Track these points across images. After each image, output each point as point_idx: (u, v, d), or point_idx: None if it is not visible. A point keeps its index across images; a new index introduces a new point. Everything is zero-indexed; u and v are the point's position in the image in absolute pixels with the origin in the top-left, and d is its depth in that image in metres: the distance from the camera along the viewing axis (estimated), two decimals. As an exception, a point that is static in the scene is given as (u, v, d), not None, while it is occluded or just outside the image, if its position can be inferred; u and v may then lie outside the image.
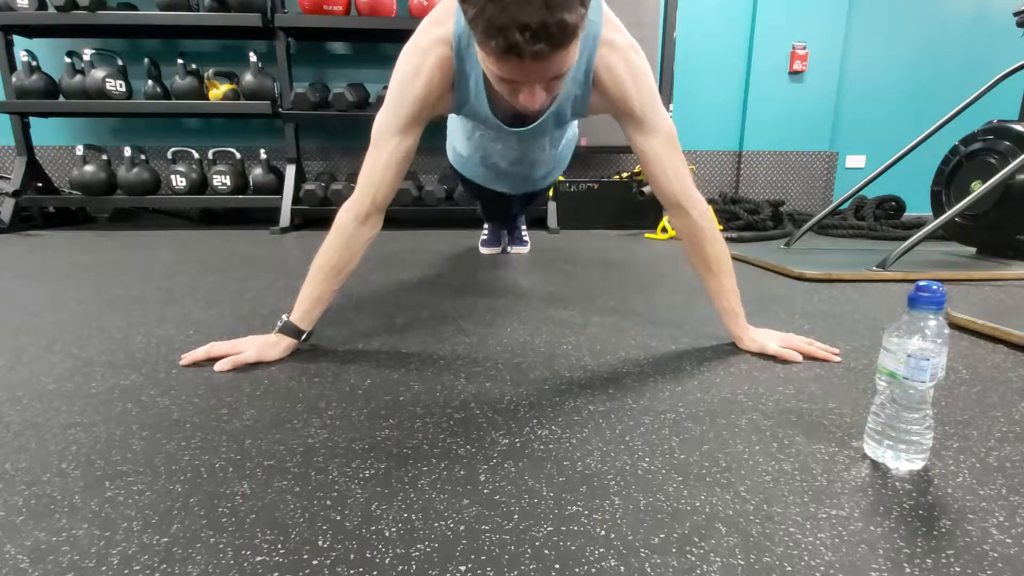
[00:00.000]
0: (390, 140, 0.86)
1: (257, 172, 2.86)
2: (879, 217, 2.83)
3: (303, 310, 0.90)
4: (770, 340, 0.92)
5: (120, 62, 2.76)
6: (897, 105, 3.39)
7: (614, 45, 0.86)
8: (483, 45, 0.68)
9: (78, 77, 2.68)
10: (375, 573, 0.42)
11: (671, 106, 3.04)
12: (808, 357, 0.90)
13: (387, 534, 0.47)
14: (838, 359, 0.89)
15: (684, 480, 0.55)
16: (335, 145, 3.24)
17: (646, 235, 2.65)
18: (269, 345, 0.88)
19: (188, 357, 0.86)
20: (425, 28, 0.88)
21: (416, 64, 0.86)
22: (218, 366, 0.83)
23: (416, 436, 0.64)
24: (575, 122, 1.35)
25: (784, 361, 0.89)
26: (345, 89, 2.73)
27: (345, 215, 0.89)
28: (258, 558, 0.44)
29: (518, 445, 0.62)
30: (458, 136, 1.42)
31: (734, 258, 1.89)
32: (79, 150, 2.74)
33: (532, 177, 1.46)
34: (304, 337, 0.91)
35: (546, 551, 0.45)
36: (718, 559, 0.44)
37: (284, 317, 0.90)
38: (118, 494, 0.52)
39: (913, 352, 0.54)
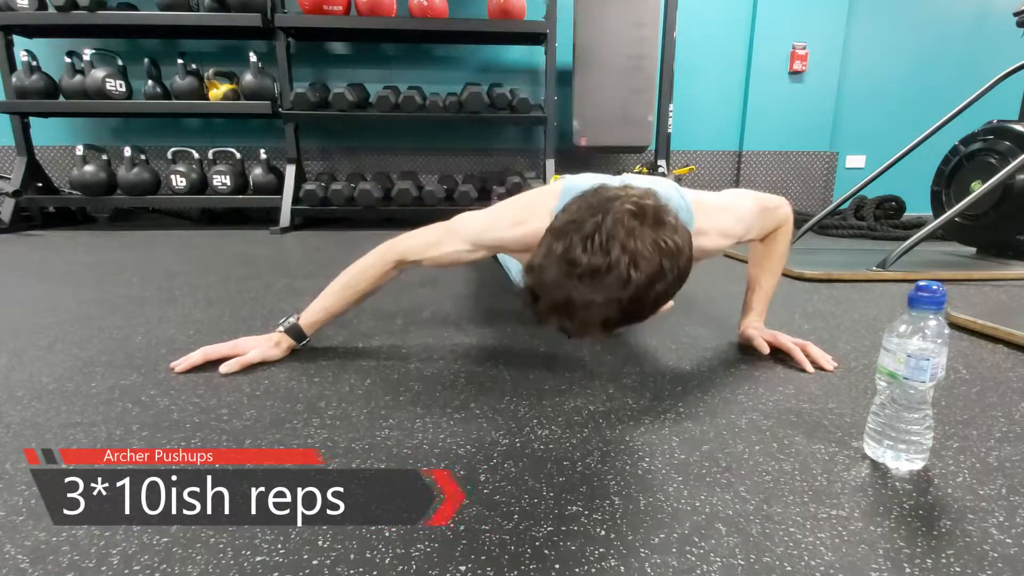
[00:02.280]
0: (463, 244, 0.86)
1: (257, 172, 2.86)
2: (879, 217, 2.83)
3: (316, 319, 0.90)
4: (752, 327, 0.94)
5: (120, 62, 2.76)
6: (897, 105, 3.39)
7: (706, 232, 0.83)
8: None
9: (78, 77, 2.68)
10: (375, 573, 0.42)
11: (671, 106, 3.04)
12: (778, 349, 0.90)
13: (387, 534, 0.47)
14: (811, 369, 0.85)
15: (684, 480, 0.55)
16: (335, 145, 3.24)
17: (646, 235, 2.65)
18: (271, 345, 0.88)
19: (183, 364, 0.84)
20: (537, 197, 0.86)
21: (521, 219, 0.84)
22: (224, 368, 0.83)
23: (416, 436, 0.64)
24: None
25: (755, 348, 0.91)
26: (345, 89, 2.73)
27: (388, 256, 0.89)
28: (258, 558, 0.44)
29: (518, 445, 0.62)
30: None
31: (734, 258, 1.90)
32: (79, 150, 2.74)
33: None
34: (304, 343, 0.92)
35: (546, 551, 0.45)
36: (718, 559, 0.44)
37: (292, 319, 0.90)
38: (118, 494, 0.52)
39: (913, 352, 0.54)
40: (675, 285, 0.63)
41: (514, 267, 1.41)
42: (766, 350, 0.90)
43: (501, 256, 1.50)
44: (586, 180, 0.77)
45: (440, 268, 0.90)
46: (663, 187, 0.78)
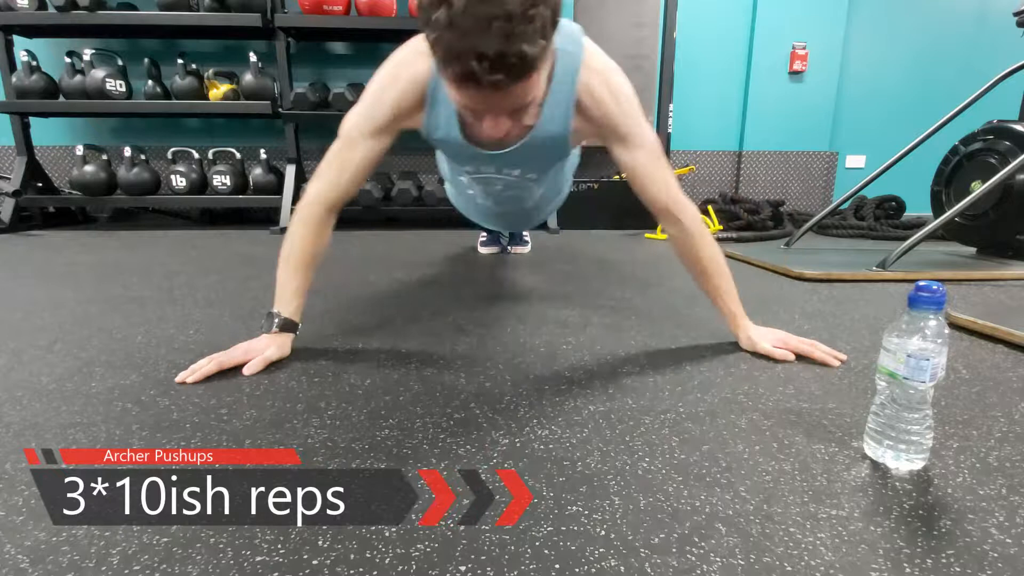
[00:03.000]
0: (364, 141, 0.87)
1: (257, 172, 2.86)
2: (879, 217, 2.84)
3: (294, 305, 0.90)
4: (763, 339, 0.92)
5: (120, 62, 2.76)
6: (897, 105, 3.39)
7: (593, 68, 0.87)
8: (442, 71, 0.68)
9: (78, 77, 2.67)
10: (375, 573, 0.42)
11: (671, 106, 3.04)
12: (803, 357, 0.90)
13: (387, 534, 0.47)
14: (837, 363, 0.87)
15: (684, 480, 0.55)
16: (335, 145, 3.24)
17: (646, 235, 2.66)
18: (279, 344, 0.88)
19: (197, 375, 0.80)
20: (411, 43, 0.88)
21: (395, 73, 0.87)
22: (248, 369, 0.82)
23: (416, 436, 0.64)
24: (573, 154, 1.32)
25: (778, 360, 0.89)
26: (345, 89, 2.73)
27: (313, 208, 0.90)
28: (258, 558, 0.44)
29: (518, 445, 0.62)
30: (447, 174, 1.41)
31: (734, 258, 1.90)
32: (79, 150, 2.74)
33: (524, 215, 1.45)
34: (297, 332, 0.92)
35: (546, 551, 0.45)
36: (718, 559, 0.44)
37: (280, 317, 0.88)
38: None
39: (913, 352, 0.54)
40: None
41: (449, 181, 1.42)
42: (791, 358, 0.89)
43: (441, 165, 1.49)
44: None
45: (362, 181, 0.91)
46: None
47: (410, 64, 0.86)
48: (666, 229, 0.95)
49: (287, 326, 0.89)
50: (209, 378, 0.81)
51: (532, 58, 0.64)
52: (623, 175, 0.94)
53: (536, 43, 0.63)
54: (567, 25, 0.79)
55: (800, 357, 0.90)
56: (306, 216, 0.90)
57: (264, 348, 0.86)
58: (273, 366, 0.86)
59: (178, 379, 0.79)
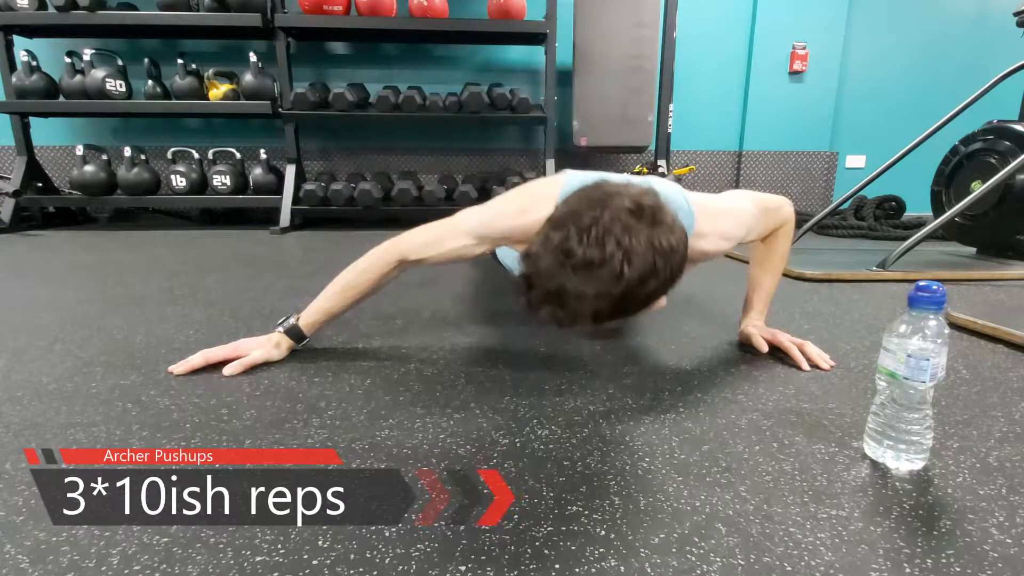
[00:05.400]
0: (466, 238, 0.86)
1: (257, 172, 2.86)
2: (879, 217, 2.83)
3: (315, 320, 0.90)
4: (750, 325, 0.95)
5: (120, 62, 2.76)
6: (897, 105, 3.39)
7: (705, 235, 0.83)
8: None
9: (78, 77, 2.68)
10: (375, 573, 0.42)
11: (671, 106, 3.03)
12: (776, 348, 0.91)
13: (387, 534, 0.47)
14: (807, 367, 0.86)
15: (684, 480, 0.55)
16: (335, 145, 3.24)
17: (646, 235, 2.65)
18: (272, 346, 0.88)
19: (183, 367, 0.83)
20: (544, 186, 0.86)
21: (525, 207, 0.82)
22: (228, 370, 0.82)
23: (416, 436, 0.64)
24: None
25: (753, 346, 0.92)
26: (345, 89, 2.73)
27: (389, 256, 0.88)
28: (258, 558, 0.44)
29: (518, 445, 0.62)
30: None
31: (734, 258, 1.90)
32: (79, 150, 2.74)
33: None
34: (304, 343, 0.92)
35: (546, 551, 0.45)
36: (718, 559, 0.44)
37: (292, 320, 0.89)
38: (118, 494, 0.52)
39: (913, 352, 0.54)
40: (667, 284, 0.63)
41: (512, 260, 1.41)
42: (765, 348, 0.91)
43: (500, 254, 1.50)
44: (589, 175, 0.77)
45: (441, 265, 0.90)
46: (666, 188, 0.78)
47: (542, 205, 0.80)
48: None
49: (292, 332, 0.89)
50: (209, 378, 0.81)
51: (581, 327, 0.65)
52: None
53: (649, 306, 0.64)
54: (674, 197, 0.77)
55: (784, 356, 0.90)
56: (379, 263, 0.88)
57: (252, 349, 0.86)
58: (273, 366, 0.86)
59: (169, 369, 0.83)
